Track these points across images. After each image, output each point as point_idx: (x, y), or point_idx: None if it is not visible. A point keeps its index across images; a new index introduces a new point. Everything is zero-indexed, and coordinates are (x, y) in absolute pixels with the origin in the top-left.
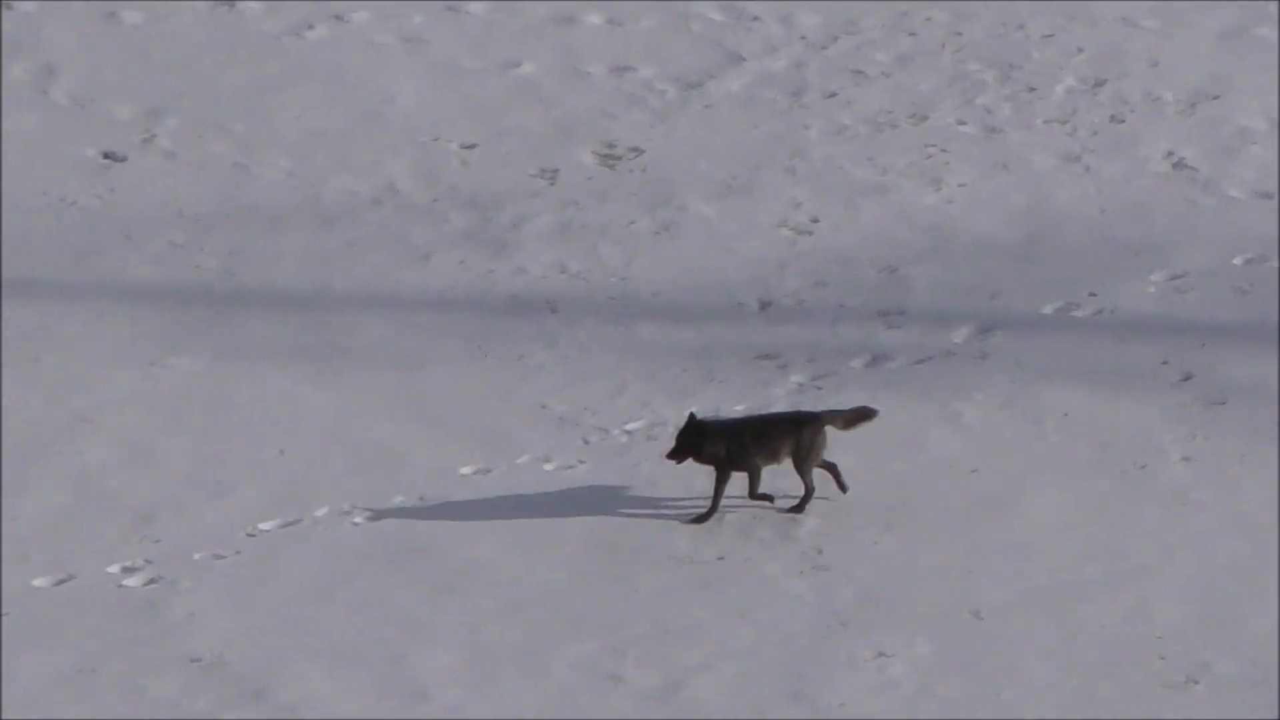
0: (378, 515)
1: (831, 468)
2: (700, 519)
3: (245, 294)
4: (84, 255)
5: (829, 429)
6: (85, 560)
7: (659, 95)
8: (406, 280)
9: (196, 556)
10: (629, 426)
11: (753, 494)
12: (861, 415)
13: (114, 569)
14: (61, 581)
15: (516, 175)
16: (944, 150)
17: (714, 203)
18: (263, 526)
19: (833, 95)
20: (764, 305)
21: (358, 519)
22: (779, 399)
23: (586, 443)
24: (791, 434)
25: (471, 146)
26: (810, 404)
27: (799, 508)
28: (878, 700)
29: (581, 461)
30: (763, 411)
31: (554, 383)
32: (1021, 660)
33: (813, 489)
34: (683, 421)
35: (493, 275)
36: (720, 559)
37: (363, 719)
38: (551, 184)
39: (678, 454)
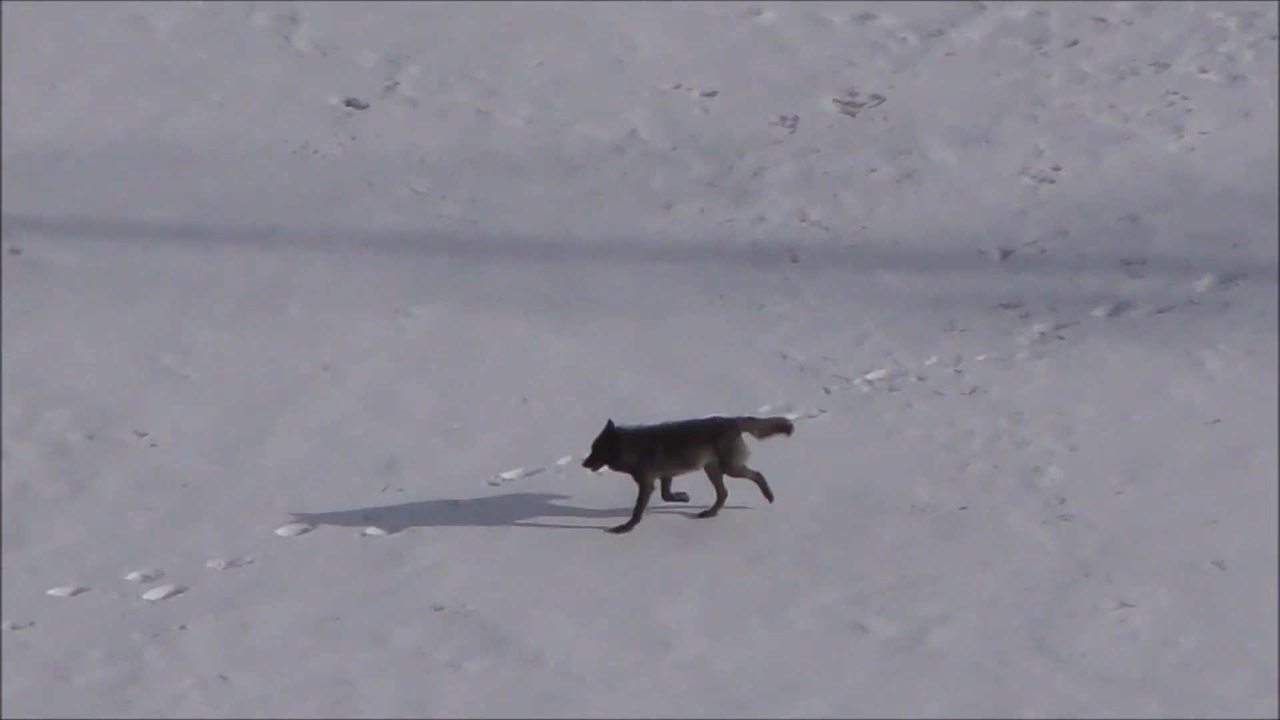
0: None
1: (758, 478)
2: (622, 529)
3: (487, 242)
4: (327, 204)
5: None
6: (329, 509)
7: (900, 43)
8: (647, 228)
9: (440, 505)
10: (870, 375)
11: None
12: (778, 426)
13: (358, 517)
14: (305, 530)
15: (757, 123)
16: (1186, 98)
17: (955, 151)
18: (505, 475)
19: (1074, 43)
20: (1005, 254)
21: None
22: (1021, 348)
23: (828, 392)
24: (708, 443)
25: (712, 94)
26: (1051, 352)
27: (711, 512)
28: (1119, 650)
29: (823, 411)
30: (679, 420)
31: (795, 331)
32: (1264, 611)
33: (725, 494)
34: (605, 427)
35: (733, 224)
36: (963, 509)
37: (606, 668)
38: (792, 132)
39: (593, 462)
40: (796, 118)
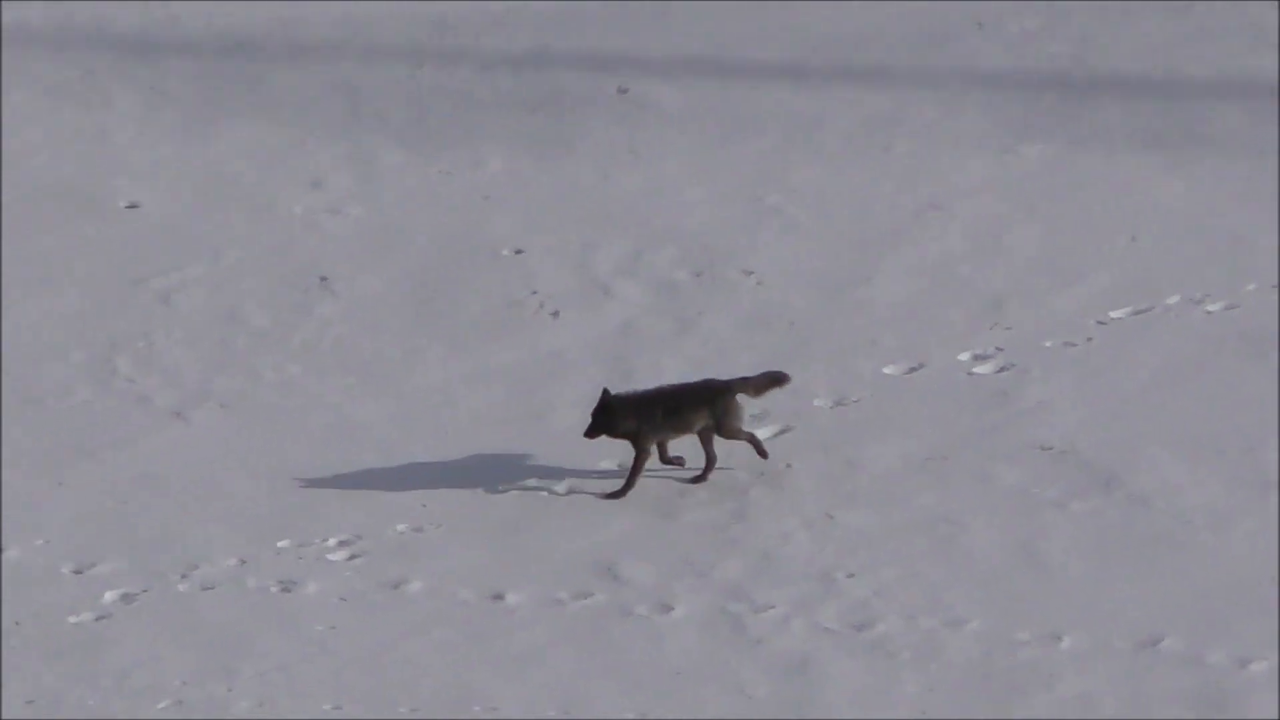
0: (1231, 304)
1: (751, 438)
2: (616, 494)
3: (1096, 80)
4: (935, 43)
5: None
6: (936, 348)
7: None
8: (1259, 66)
9: (1047, 344)
10: None
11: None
12: (773, 380)
13: (964, 356)
14: (913, 369)
15: None
16: None
17: None
18: (1113, 314)
19: None
20: None
21: (1210, 307)
22: None
23: None
24: (705, 405)
25: None
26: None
27: (702, 477)
28: None
29: None
30: (673, 383)
31: None
32: None
33: (715, 458)
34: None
35: None
36: None
37: (1216, 509)
38: None
39: (592, 431)
40: None
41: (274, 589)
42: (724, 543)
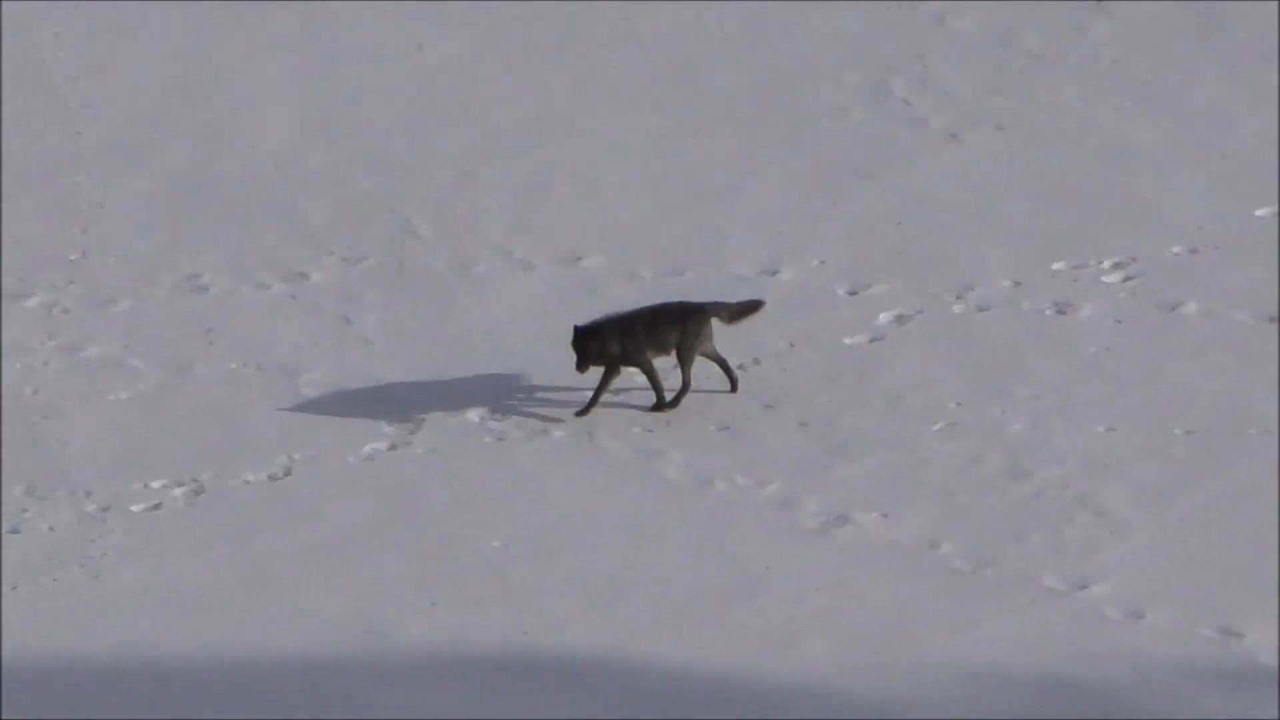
0: None
1: (722, 362)
2: (662, 407)
3: None
4: None
5: (715, 322)
6: None
7: None
8: None
9: None
10: None
11: (657, 387)
12: (748, 308)
13: None
14: None
15: None
16: None
17: None
18: None
19: None
20: None
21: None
22: None
23: None
24: (677, 325)
25: None
26: None
27: (675, 402)
28: None
29: None
30: (645, 305)
31: None
32: None
33: (689, 384)
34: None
35: None
36: None
37: None
38: None
39: (583, 364)
40: None
41: (1048, 311)
42: None
